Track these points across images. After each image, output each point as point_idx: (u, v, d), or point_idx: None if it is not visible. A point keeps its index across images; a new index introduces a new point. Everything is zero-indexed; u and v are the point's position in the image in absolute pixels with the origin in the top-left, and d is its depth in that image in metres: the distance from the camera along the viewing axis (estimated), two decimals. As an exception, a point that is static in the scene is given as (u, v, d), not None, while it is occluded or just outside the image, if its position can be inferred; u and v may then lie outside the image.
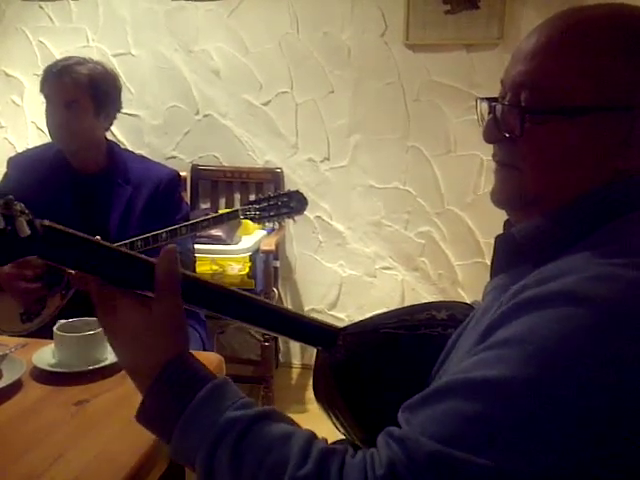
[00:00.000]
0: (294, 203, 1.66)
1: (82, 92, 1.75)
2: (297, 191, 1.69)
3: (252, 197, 2.84)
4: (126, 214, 1.79)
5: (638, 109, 0.65)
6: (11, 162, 1.91)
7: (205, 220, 1.68)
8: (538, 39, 0.69)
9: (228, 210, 1.78)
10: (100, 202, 1.80)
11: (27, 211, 0.72)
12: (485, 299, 0.77)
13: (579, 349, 0.55)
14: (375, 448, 0.60)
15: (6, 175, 1.89)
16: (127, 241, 1.64)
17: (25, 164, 1.87)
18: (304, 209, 1.69)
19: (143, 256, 0.74)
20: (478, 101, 0.77)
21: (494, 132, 0.72)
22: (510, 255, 0.72)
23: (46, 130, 1.74)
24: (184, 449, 0.65)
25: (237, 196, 2.87)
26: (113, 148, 1.88)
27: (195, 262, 1.98)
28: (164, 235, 1.65)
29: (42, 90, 1.79)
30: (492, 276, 0.77)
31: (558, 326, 0.56)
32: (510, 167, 0.72)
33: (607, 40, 0.66)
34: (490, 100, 0.74)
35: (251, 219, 1.67)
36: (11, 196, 0.70)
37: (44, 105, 1.80)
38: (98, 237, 0.74)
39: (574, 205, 0.67)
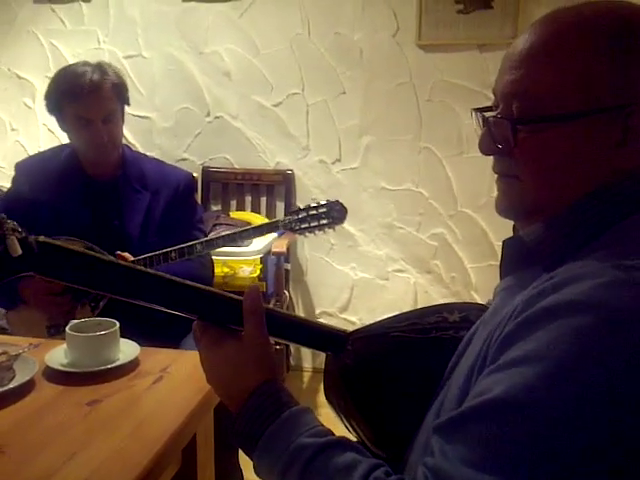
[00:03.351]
0: (335, 213, 1.67)
1: (115, 102, 1.70)
2: (337, 201, 1.69)
3: (263, 199, 2.84)
4: (146, 221, 1.74)
5: (629, 107, 0.64)
6: (18, 167, 1.81)
7: (244, 231, 1.70)
8: (523, 47, 0.68)
9: (269, 221, 1.79)
10: (117, 209, 1.74)
11: (20, 229, 0.72)
12: (494, 300, 0.76)
13: (599, 361, 0.54)
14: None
15: (14, 180, 1.80)
16: (159, 252, 1.61)
17: (34, 169, 1.78)
18: (344, 218, 1.69)
19: (151, 270, 0.77)
20: (473, 112, 0.76)
21: (490, 144, 0.72)
22: (518, 258, 0.72)
23: (58, 133, 1.73)
24: (263, 469, 0.71)
25: (248, 198, 2.87)
26: (125, 151, 1.81)
27: (214, 267, 1.94)
28: (198, 247, 1.64)
29: (65, 108, 1.68)
30: (501, 278, 0.76)
31: (576, 339, 0.55)
32: (510, 177, 0.71)
33: (590, 42, 0.65)
34: (483, 111, 0.74)
35: (291, 230, 1.67)
36: (3, 215, 0.70)
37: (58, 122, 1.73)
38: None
39: (579, 207, 0.66)
